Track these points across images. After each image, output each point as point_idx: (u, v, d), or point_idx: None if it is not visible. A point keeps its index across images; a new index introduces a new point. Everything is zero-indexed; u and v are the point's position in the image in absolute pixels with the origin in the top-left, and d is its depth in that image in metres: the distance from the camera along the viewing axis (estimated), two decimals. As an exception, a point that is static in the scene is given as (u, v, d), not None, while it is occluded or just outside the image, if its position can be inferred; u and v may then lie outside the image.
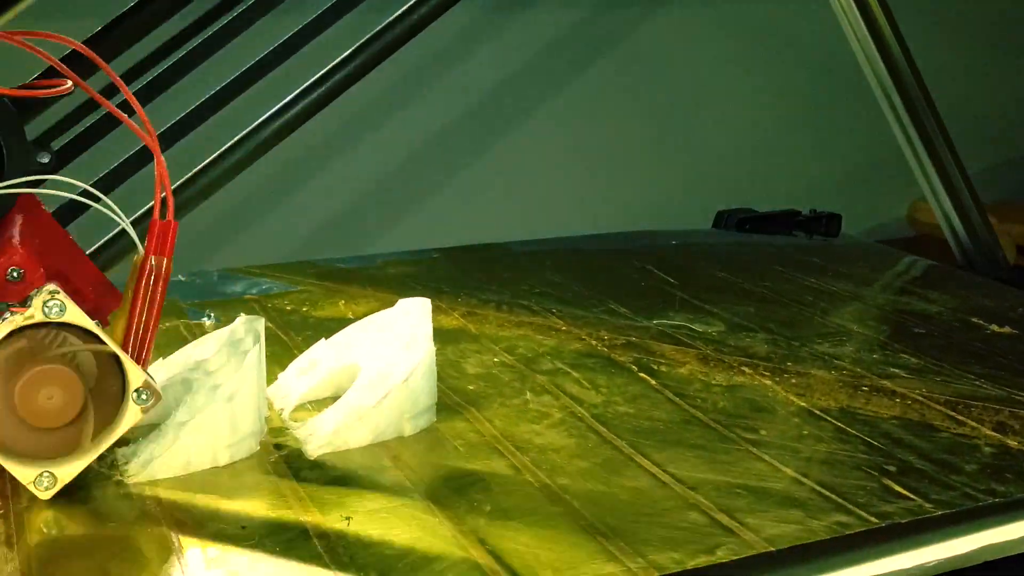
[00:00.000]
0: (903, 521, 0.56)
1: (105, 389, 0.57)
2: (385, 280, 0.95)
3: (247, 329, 0.67)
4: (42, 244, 0.58)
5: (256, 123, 1.09)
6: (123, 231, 0.66)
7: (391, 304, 0.73)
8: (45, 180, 0.58)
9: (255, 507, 0.57)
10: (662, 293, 0.94)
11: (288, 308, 0.86)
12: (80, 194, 0.60)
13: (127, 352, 0.57)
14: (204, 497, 0.58)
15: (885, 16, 1.11)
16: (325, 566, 0.51)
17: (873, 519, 0.56)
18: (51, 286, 0.55)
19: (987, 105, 1.97)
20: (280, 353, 0.75)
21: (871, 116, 1.24)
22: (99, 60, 0.61)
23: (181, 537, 0.53)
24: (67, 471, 0.56)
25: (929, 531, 0.56)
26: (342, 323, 0.76)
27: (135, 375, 0.57)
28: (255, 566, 0.51)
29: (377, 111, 1.60)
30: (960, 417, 0.68)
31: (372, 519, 0.55)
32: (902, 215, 1.92)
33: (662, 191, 1.81)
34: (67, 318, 0.55)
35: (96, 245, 1.02)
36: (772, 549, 0.53)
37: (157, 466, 0.59)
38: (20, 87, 0.62)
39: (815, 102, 1.88)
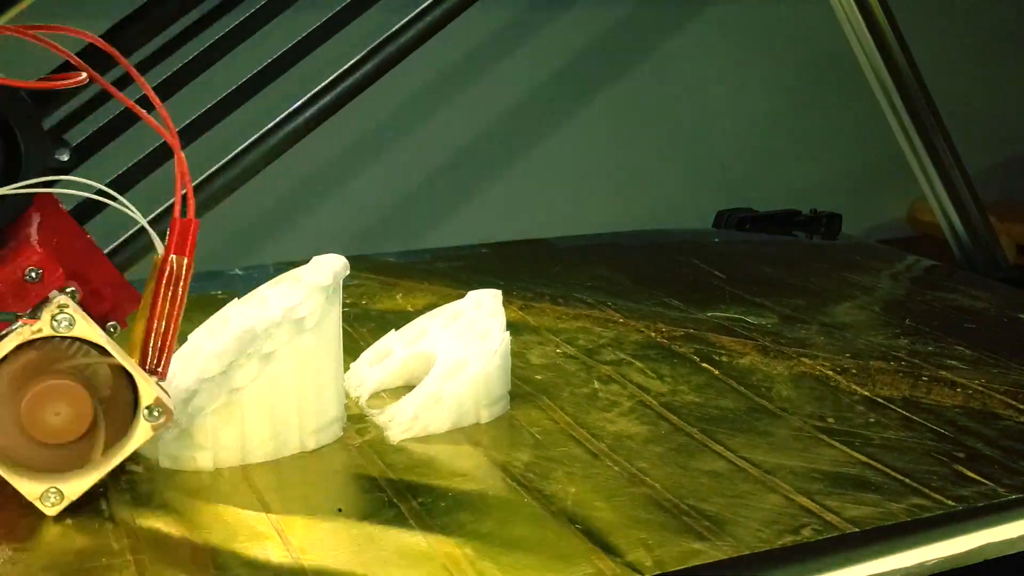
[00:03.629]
0: (980, 504, 0.57)
1: (119, 400, 0.54)
2: (438, 274, 0.97)
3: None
4: (60, 244, 0.56)
5: (279, 118, 1.03)
6: (141, 230, 0.63)
7: (448, 297, 0.74)
8: (60, 180, 0.56)
9: (348, 490, 0.58)
10: (710, 287, 0.95)
11: (347, 301, 0.88)
12: (96, 193, 0.58)
13: (146, 354, 0.55)
14: (297, 481, 0.59)
15: (885, 16, 1.11)
16: (424, 545, 0.53)
17: (950, 502, 0.57)
18: (61, 299, 0.53)
19: (987, 105, 1.97)
20: (348, 344, 0.76)
21: (871, 116, 1.24)
22: (117, 54, 0.58)
23: (279, 520, 0.55)
24: (75, 487, 0.54)
25: (1006, 512, 0.57)
26: (402, 315, 0.78)
27: (147, 392, 0.54)
28: (355, 547, 0.53)
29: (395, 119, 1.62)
30: (1022, 406, 0.70)
31: (462, 501, 0.57)
32: (902, 215, 1.92)
33: (662, 191, 1.81)
34: (76, 332, 0.53)
35: (114, 244, 0.94)
36: (856, 530, 0.54)
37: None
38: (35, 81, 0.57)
39: (815, 102, 1.88)
